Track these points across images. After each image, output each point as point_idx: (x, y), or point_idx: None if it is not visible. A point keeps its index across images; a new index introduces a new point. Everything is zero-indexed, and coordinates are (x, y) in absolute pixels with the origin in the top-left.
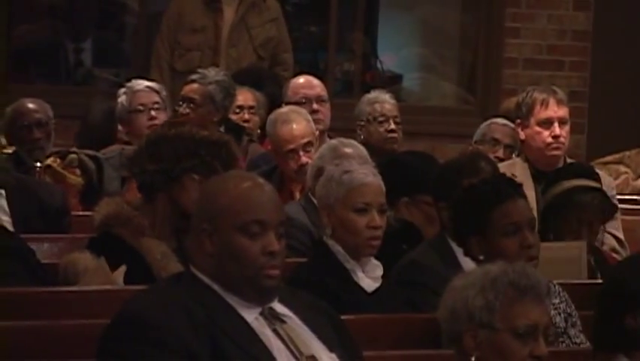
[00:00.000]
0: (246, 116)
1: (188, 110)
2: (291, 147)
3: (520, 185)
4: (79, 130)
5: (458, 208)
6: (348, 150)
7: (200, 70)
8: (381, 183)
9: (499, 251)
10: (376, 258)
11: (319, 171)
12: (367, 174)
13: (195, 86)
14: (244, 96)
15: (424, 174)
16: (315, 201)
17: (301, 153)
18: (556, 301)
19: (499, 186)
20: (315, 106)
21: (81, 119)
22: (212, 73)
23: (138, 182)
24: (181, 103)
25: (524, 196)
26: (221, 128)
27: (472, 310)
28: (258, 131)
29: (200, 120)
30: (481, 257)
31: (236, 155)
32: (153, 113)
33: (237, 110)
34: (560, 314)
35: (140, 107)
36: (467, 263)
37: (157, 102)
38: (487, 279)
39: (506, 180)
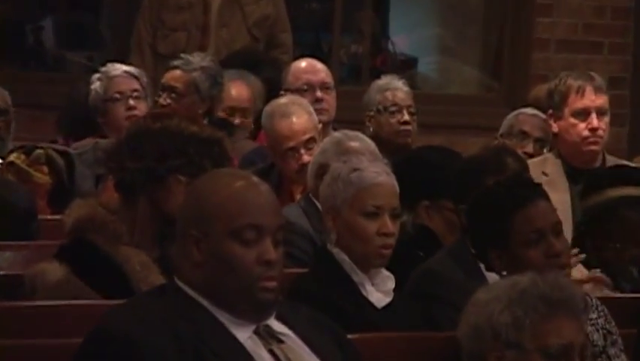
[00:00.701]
0: (237, 120)
1: (169, 101)
2: (291, 144)
3: (539, 184)
4: (62, 115)
5: (472, 219)
6: (354, 145)
7: (183, 55)
8: (395, 183)
9: (523, 264)
10: (388, 269)
11: (321, 169)
12: (379, 173)
13: (178, 73)
14: (238, 91)
15: (449, 175)
16: (317, 203)
17: (302, 151)
18: (594, 316)
19: (515, 189)
20: (318, 94)
21: (67, 102)
22: (197, 58)
23: (116, 180)
24: (161, 92)
25: (546, 197)
26: (204, 122)
27: (498, 327)
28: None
29: (188, 113)
30: (504, 272)
31: (229, 155)
32: (132, 102)
33: (228, 111)
34: (597, 331)
35: (117, 96)
36: (492, 273)
37: (136, 90)
38: (514, 292)
39: (522, 180)
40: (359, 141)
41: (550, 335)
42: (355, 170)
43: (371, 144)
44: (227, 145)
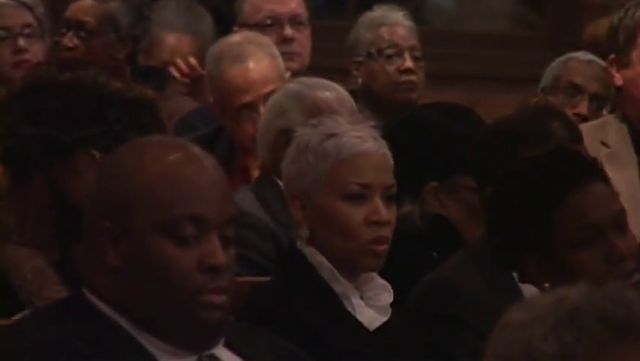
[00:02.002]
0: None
1: (76, 42)
2: (247, 99)
3: (594, 160)
4: None
5: (499, 210)
6: (322, 95)
7: None
8: (387, 152)
9: (574, 273)
10: (387, 278)
11: (283, 136)
12: (364, 139)
13: (88, 3)
14: (178, 46)
15: (465, 145)
16: (280, 183)
17: (262, 109)
18: None
19: (558, 167)
20: (287, 31)
21: None
22: None
23: (2, 150)
24: (65, 30)
25: (603, 178)
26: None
27: (540, 358)
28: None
29: (104, 59)
30: (546, 284)
31: (164, 123)
32: (22, 42)
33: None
34: None
35: (2, 33)
36: (529, 286)
37: (29, 24)
38: (562, 310)
39: (570, 155)
40: (329, 89)
41: None
42: (330, 136)
43: (347, 98)
44: (162, 109)
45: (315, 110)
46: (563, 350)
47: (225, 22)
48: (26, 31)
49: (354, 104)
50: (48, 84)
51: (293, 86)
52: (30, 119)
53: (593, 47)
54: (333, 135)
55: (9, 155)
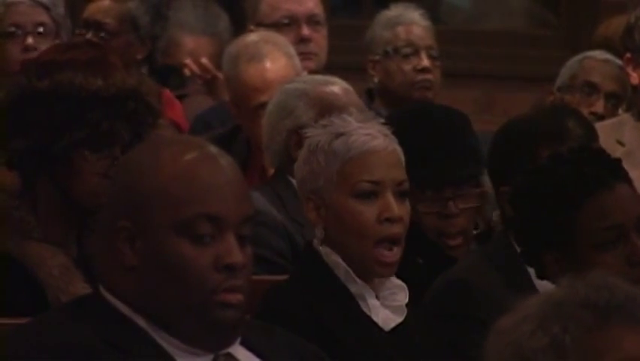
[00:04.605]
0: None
1: None
2: (263, 99)
3: (619, 160)
4: None
5: (519, 207)
6: (329, 89)
7: None
8: (398, 148)
9: None
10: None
11: (295, 135)
12: (373, 136)
13: (106, 3)
14: (197, 49)
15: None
16: (294, 182)
17: None
18: None
19: (583, 166)
20: (305, 31)
21: None
22: None
23: (5, 162)
24: (84, 31)
25: (627, 179)
26: (144, 70)
27: (532, 356)
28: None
29: (121, 59)
30: None
31: (153, 106)
32: (31, 40)
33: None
34: None
35: (13, 29)
36: (545, 282)
37: (43, 23)
38: (548, 306)
39: (595, 154)
40: (332, 83)
41: (605, 353)
42: (339, 135)
43: (349, 87)
44: (152, 95)
45: (324, 104)
46: (552, 342)
47: (242, 22)
48: (39, 29)
49: (357, 97)
50: (29, 95)
51: (291, 86)
52: (19, 132)
53: (603, 46)
54: (341, 134)
55: (11, 165)
